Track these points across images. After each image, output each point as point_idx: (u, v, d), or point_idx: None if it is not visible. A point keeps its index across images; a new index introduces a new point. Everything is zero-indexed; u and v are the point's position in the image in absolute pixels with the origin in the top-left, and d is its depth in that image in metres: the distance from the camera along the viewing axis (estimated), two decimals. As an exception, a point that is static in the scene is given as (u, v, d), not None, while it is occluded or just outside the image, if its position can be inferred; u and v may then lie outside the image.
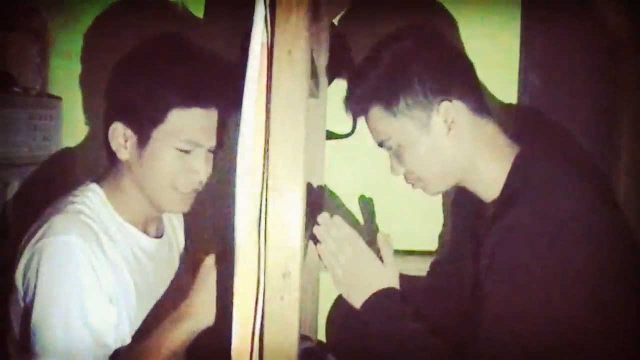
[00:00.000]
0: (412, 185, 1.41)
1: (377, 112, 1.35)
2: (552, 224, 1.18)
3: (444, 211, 1.86)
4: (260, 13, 1.02)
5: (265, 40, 1.03)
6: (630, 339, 1.21)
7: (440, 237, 1.86)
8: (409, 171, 1.38)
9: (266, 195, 1.03)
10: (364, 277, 1.36)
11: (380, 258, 1.38)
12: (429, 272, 1.72)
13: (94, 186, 1.36)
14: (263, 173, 1.04)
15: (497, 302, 1.20)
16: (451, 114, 1.31)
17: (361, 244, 1.37)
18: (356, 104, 1.40)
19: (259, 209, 1.04)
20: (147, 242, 1.41)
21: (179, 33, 1.37)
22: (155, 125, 1.30)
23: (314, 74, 1.52)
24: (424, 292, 1.63)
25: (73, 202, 1.31)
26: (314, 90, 1.59)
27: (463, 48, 1.38)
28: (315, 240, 1.38)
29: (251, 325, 1.03)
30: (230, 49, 1.42)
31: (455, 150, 1.33)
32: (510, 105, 1.76)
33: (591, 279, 1.17)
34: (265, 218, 1.03)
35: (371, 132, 1.41)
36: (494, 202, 1.32)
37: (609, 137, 1.56)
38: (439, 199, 1.85)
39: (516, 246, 1.20)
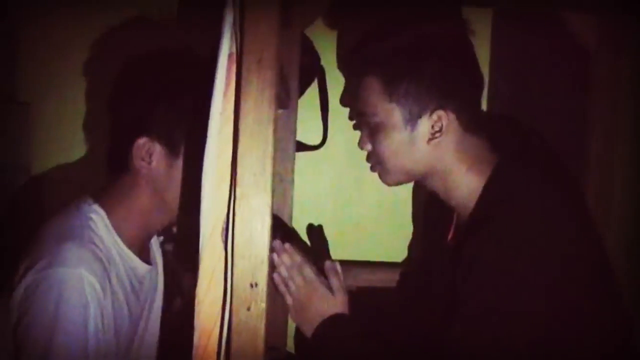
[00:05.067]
0: (370, 167, 1.39)
1: (373, 83, 1.30)
2: (528, 235, 1.18)
3: (413, 221, 1.86)
4: (228, 21, 1.02)
5: (234, 49, 1.03)
6: (607, 345, 1.23)
7: (410, 247, 1.86)
8: (375, 152, 1.35)
9: (234, 204, 1.02)
10: (312, 307, 1.34)
11: (329, 286, 1.36)
12: (398, 283, 1.72)
13: (96, 207, 1.31)
14: (231, 182, 1.03)
15: (475, 310, 1.20)
16: (441, 124, 1.29)
17: (309, 273, 1.35)
18: (357, 63, 1.35)
19: (227, 218, 1.03)
20: (142, 268, 1.38)
21: (186, 44, 1.38)
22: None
23: (284, 84, 1.51)
24: (394, 303, 1.63)
25: (81, 227, 1.27)
26: (284, 100, 1.59)
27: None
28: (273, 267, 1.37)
29: (217, 335, 1.02)
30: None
31: (429, 156, 1.31)
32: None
33: (571, 287, 1.18)
34: (233, 227, 1.02)
35: (356, 99, 1.35)
36: (471, 213, 1.31)
37: (579, 145, 1.58)
38: (408, 208, 1.86)
39: (494, 256, 1.19)
